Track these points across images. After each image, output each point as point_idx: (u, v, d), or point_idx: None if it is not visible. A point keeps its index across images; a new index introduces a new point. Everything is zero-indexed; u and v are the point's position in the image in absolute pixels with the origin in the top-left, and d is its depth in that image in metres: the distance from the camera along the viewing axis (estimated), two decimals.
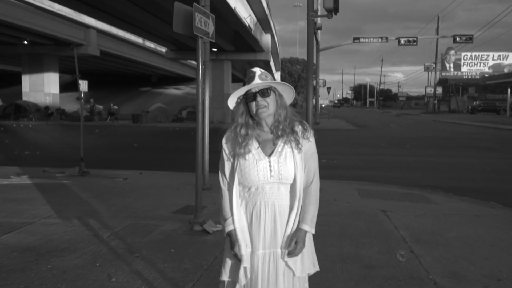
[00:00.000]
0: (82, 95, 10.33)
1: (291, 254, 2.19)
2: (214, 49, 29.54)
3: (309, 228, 2.22)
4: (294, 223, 2.21)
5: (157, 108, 36.12)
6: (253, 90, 2.20)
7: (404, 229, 5.61)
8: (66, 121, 33.92)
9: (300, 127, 2.25)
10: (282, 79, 74.12)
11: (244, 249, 2.20)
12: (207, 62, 6.76)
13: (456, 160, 13.37)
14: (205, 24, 5.18)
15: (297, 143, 2.21)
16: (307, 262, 2.27)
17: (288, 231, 2.21)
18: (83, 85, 10.57)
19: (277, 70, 59.85)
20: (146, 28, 29.07)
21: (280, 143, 2.22)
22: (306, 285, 2.34)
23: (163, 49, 42.24)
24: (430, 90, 72.80)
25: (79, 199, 7.06)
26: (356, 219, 6.07)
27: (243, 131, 2.22)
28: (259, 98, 2.18)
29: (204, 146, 6.00)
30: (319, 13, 16.49)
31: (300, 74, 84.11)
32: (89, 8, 25.10)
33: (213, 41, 5.64)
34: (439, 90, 69.72)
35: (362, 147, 16.58)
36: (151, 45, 45.68)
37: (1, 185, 8.17)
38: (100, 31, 35.65)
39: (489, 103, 60.87)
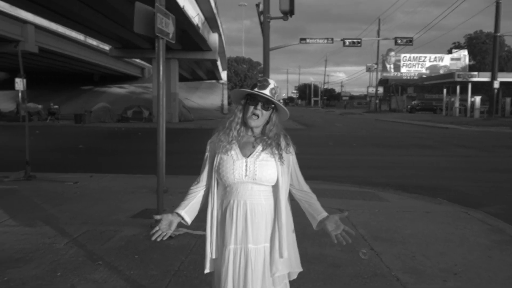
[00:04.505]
0: (20, 94, 9.83)
1: (348, 234, 2.30)
2: None
3: (327, 213, 2.43)
4: (285, 223, 2.38)
5: (100, 108, 34.98)
6: (259, 98, 2.33)
7: (362, 227, 5.79)
8: (2, 121, 32.16)
9: (284, 142, 2.41)
10: (229, 78, 74.06)
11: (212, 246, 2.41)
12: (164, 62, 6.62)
13: (401, 158, 13.94)
14: (166, 25, 5.08)
15: (280, 156, 2.36)
16: (286, 261, 2.37)
17: (283, 230, 2.36)
18: (21, 84, 10.01)
19: (224, 70, 59.65)
20: (88, 24, 28.05)
21: (259, 147, 2.37)
22: (286, 281, 2.46)
23: (106, 47, 40.93)
24: (371, 90, 75.42)
25: (28, 205, 6.72)
26: None
27: (238, 127, 2.37)
28: (258, 107, 2.32)
29: (163, 147, 5.90)
30: (269, 14, 16.56)
31: (246, 73, 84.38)
32: (27, 2, 23.85)
33: (173, 42, 5.55)
34: (380, 90, 72.33)
35: (311, 146, 16.87)
36: (93, 42, 44.07)
37: None
38: (38, 27, 33.91)
39: (427, 102, 63.88)
